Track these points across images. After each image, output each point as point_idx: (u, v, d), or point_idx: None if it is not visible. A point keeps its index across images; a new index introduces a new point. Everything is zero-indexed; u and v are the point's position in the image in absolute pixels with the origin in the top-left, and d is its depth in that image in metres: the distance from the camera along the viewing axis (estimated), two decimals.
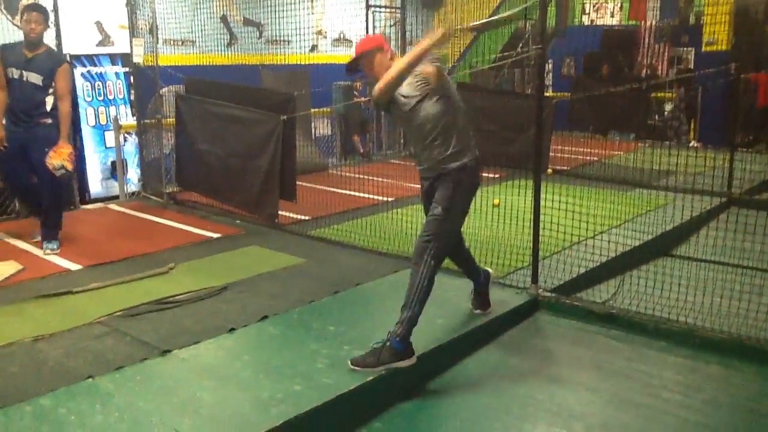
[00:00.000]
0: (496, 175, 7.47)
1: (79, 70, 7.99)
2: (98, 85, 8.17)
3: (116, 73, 8.31)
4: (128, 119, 8.17)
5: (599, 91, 10.18)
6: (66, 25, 7.17)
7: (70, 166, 5.28)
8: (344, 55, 12.03)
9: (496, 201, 6.18)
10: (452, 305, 4.21)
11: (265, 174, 6.23)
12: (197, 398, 3.10)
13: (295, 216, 6.48)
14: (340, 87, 10.22)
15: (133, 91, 8.05)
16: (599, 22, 13.83)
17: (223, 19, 10.10)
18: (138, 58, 7.49)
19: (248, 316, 4.08)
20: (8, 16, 7.34)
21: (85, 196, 7.88)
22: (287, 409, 2.98)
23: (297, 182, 6.34)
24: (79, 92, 7.99)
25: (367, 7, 10.05)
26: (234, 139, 6.59)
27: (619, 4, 13.68)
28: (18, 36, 5.60)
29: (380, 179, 7.27)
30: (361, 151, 10.43)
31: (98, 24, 8.60)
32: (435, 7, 12.49)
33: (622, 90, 9.55)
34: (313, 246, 5.69)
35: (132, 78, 7.99)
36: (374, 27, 10.52)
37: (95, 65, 8.15)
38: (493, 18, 11.07)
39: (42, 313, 4.19)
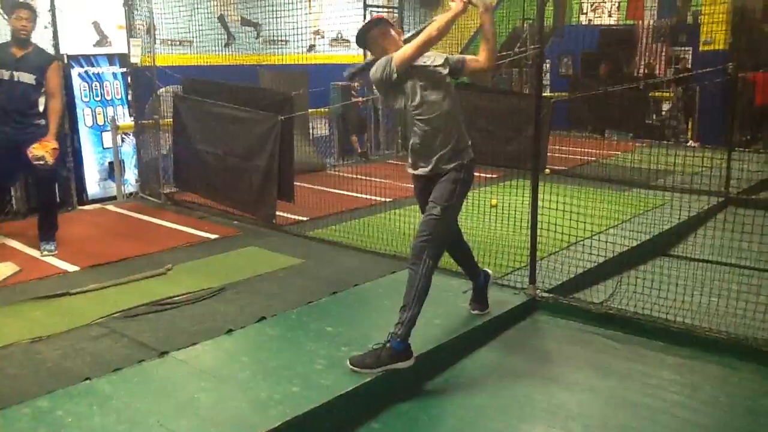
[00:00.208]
0: (494, 175, 7.48)
1: (76, 71, 7.99)
2: (96, 86, 8.17)
3: (114, 74, 8.31)
4: (126, 120, 8.16)
5: (597, 90, 10.18)
6: (63, 25, 7.15)
7: (50, 160, 5.22)
8: (342, 55, 12.04)
9: (494, 201, 6.18)
10: (450, 306, 4.21)
11: (263, 174, 6.23)
12: (195, 399, 3.10)
13: (293, 216, 6.48)
14: (338, 87, 10.22)
15: (130, 92, 8.04)
16: (597, 21, 13.83)
17: (221, 19, 10.09)
18: (135, 59, 7.48)
19: (246, 317, 4.08)
20: (5, 17, 7.32)
21: (82, 197, 7.87)
22: (285, 410, 2.98)
23: (295, 182, 6.34)
24: (77, 92, 7.99)
25: (365, 6, 10.04)
26: (232, 139, 6.59)
27: (616, 4, 13.69)
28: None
29: (378, 179, 7.27)
30: (359, 151, 10.43)
31: (96, 24, 8.59)
32: (432, 6, 12.49)
33: (620, 89, 9.55)
34: (311, 246, 5.69)
35: (129, 78, 7.98)
36: None
37: (93, 65, 8.14)
38: None
39: (39, 314, 4.18)
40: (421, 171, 3.61)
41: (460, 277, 4.40)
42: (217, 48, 8.69)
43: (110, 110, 8.22)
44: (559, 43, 12.63)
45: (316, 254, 5.43)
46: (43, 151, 5.17)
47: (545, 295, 4.48)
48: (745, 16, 10.44)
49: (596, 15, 13.96)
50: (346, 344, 3.65)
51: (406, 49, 3.41)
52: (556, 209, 5.11)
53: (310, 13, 10.62)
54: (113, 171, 7.94)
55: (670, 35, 12.77)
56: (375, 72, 3.54)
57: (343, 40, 12.00)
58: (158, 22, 7.52)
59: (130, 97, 8.13)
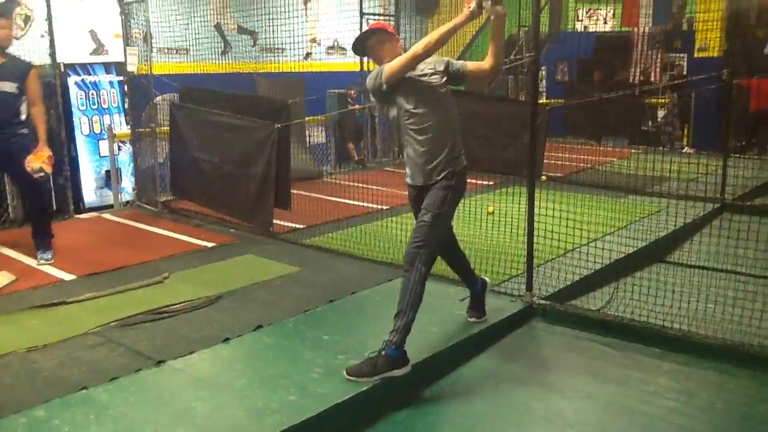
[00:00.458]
0: (490, 183, 7.49)
1: (73, 79, 8.00)
2: (92, 94, 8.17)
3: (110, 82, 8.32)
4: (122, 128, 8.16)
5: (593, 97, 10.21)
6: (60, 34, 7.16)
7: (49, 169, 5.26)
8: (338, 63, 12.08)
9: (491, 209, 6.19)
10: (447, 313, 4.22)
11: (260, 182, 6.23)
12: (192, 408, 3.10)
13: (289, 224, 6.47)
14: (335, 95, 10.24)
15: (127, 100, 8.04)
16: (592, 28, 13.89)
17: (218, 27, 10.12)
18: (132, 67, 7.48)
19: (243, 325, 4.08)
20: None
21: (79, 206, 7.86)
22: (282, 419, 2.98)
23: (292, 190, 6.35)
24: (73, 101, 8.00)
25: (361, 14, 10.07)
26: (228, 147, 6.59)
27: (612, 11, 13.75)
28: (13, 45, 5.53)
29: (375, 187, 7.27)
30: (356, 158, 10.44)
31: (92, 33, 8.62)
32: (429, 13, 12.54)
33: (616, 96, 9.58)
34: (307, 254, 5.69)
35: (126, 87, 7.98)
36: None
37: (89, 74, 8.16)
38: None
39: (36, 323, 4.17)
40: (414, 180, 3.62)
41: (457, 285, 4.41)
42: (213, 56, 8.71)
43: (107, 118, 8.23)
44: (555, 49, 12.67)
45: (313, 262, 5.43)
46: (39, 162, 5.17)
47: (542, 302, 4.48)
48: (740, 22, 10.48)
49: (591, 22, 14.03)
50: (343, 352, 3.64)
51: (399, 60, 3.41)
52: (553, 216, 5.13)
53: (306, 21, 10.69)
54: (110, 179, 7.94)
55: (665, 42, 12.83)
56: (369, 81, 3.57)
57: (339, 47, 12.04)
58: (155, 31, 7.54)
59: (126, 106, 8.13)
